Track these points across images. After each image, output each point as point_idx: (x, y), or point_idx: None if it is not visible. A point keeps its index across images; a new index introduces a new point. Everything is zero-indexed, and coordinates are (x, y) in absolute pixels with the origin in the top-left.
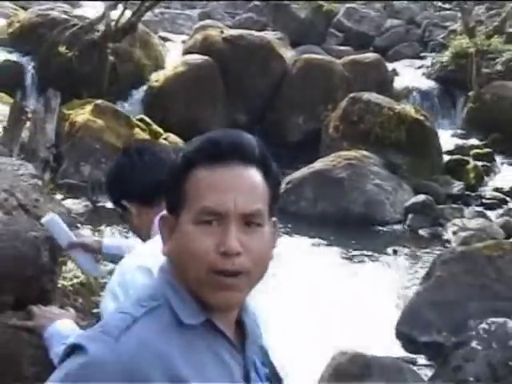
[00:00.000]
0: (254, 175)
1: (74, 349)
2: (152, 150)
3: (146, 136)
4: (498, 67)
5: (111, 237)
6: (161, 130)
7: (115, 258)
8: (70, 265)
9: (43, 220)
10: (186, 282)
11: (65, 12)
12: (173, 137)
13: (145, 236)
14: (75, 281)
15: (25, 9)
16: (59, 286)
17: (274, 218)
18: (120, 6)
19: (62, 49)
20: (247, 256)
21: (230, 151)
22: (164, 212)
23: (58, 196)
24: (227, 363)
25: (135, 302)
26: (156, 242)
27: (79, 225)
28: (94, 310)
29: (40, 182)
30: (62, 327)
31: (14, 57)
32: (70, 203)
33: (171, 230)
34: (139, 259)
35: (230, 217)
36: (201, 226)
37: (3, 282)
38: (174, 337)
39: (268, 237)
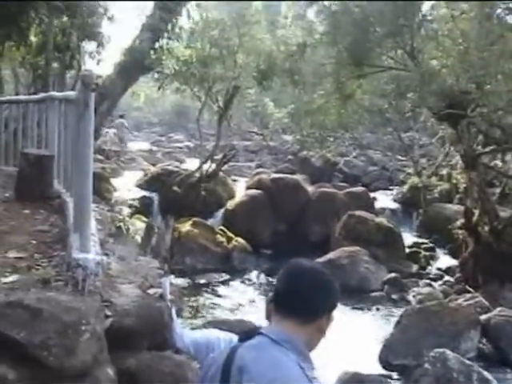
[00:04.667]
0: None
1: None
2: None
3: (223, 239)
4: (436, 195)
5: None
6: (233, 236)
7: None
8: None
9: (162, 279)
10: (307, 345)
11: (176, 166)
12: (240, 240)
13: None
14: None
15: (154, 165)
16: None
17: None
18: (208, 162)
19: (175, 188)
20: None
21: None
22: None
23: (171, 277)
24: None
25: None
26: None
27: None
28: None
29: (162, 271)
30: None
31: (147, 193)
32: (178, 281)
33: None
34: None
35: None
36: None
37: (142, 333)
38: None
39: None
